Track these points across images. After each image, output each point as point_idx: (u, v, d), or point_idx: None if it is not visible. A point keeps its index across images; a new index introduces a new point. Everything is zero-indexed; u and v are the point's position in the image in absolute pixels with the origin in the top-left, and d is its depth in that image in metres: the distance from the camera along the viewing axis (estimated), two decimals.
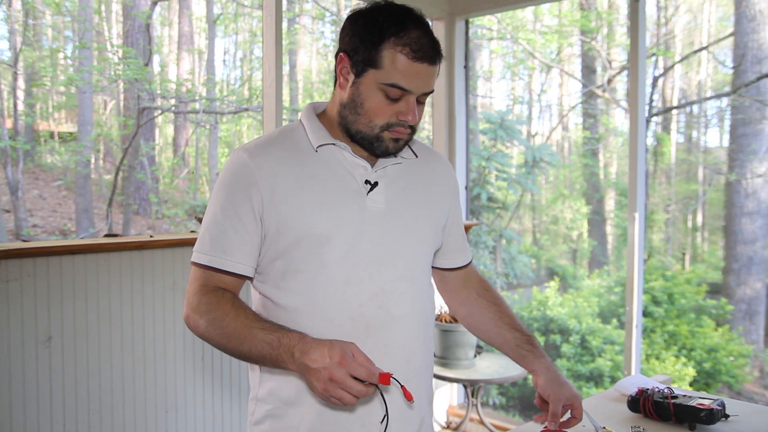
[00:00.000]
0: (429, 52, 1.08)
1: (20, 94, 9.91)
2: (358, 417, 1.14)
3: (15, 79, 9.33)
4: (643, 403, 1.38)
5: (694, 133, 12.63)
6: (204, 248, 1.13)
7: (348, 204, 1.13)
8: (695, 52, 11.16)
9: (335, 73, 1.16)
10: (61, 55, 10.75)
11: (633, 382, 1.53)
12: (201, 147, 11.91)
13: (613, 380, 6.45)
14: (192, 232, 2.92)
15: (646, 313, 6.96)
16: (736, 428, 1.32)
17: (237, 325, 1.06)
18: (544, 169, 8.13)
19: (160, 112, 10.08)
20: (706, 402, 1.34)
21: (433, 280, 1.36)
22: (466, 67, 3.64)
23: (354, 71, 1.11)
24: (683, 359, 6.44)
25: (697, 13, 11.77)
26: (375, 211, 1.15)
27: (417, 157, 1.25)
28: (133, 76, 8.48)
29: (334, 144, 1.16)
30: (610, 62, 9.77)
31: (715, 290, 8.11)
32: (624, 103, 9.48)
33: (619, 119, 11.32)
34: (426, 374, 1.25)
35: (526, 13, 11.03)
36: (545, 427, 1.24)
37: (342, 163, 1.16)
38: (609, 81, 9.51)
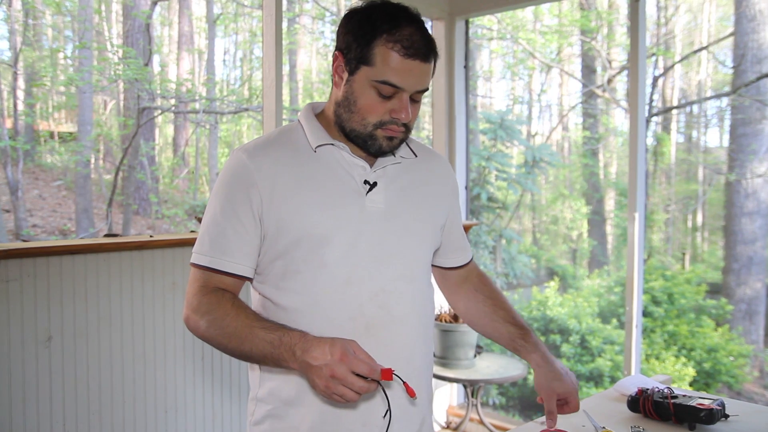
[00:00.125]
0: (422, 49, 1.07)
1: (20, 94, 9.90)
2: (359, 416, 1.14)
3: (15, 79, 9.33)
4: (643, 403, 1.38)
5: (694, 133, 12.63)
6: (203, 249, 1.13)
7: (347, 204, 1.13)
8: (695, 52, 11.16)
9: (332, 72, 1.16)
10: (61, 55, 10.74)
11: (633, 382, 1.53)
12: (201, 147, 11.91)
13: (613, 380, 6.45)
14: (192, 232, 2.92)
15: (646, 313, 6.96)
16: (736, 428, 1.32)
17: (238, 324, 1.06)
18: (544, 169, 8.12)
19: (160, 112, 10.08)
20: (706, 402, 1.34)
21: (433, 279, 1.36)
22: (466, 67, 3.64)
23: (348, 69, 1.11)
24: (683, 359, 6.44)
25: (697, 13, 11.77)
26: (374, 211, 1.15)
27: (416, 156, 1.25)
28: (133, 76, 8.47)
29: (332, 144, 1.16)
30: (610, 62, 9.77)
31: (715, 290, 8.11)
32: (624, 103, 9.48)
33: (619, 119, 11.33)
34: (426, 374, 1.25)
35: (526, 13, 11.03)
36: (545, 428, 1.24)
37: (341, 163, 1.16)
38: (609, 81, 9.51)
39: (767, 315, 7.67)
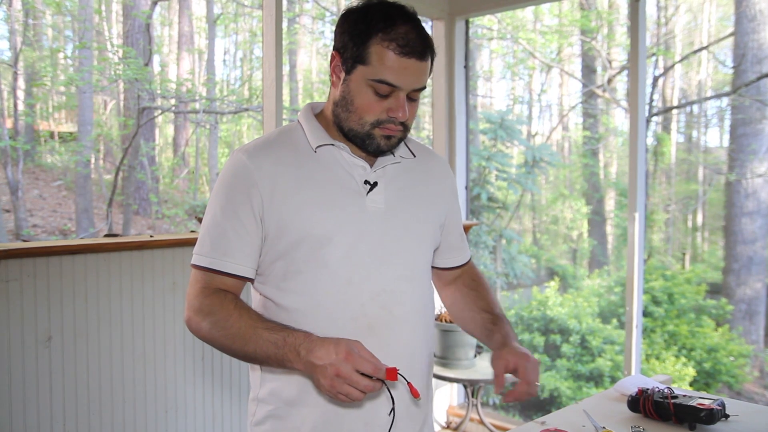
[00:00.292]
0: (417, 47, 1.07)
1: (20, 94, 9.90)
2: (361, 417, 1.14)
3: (15, 79, 9.33)
4: (643, 403, 1.38)
5: (694, 133, 12.63)
6: (204, 250, 1.12)
7: (348, 204, 1.13)
8: (695, 52, 11.16)
9: (330, 72, 1.16)
10: (61, 55, 10.74)
11: (633, 382, 1.53)
12: (201, 147, 11.90)
13: (613, 380, 6.45)
14: (192, 232, 2.92)
15: (646, 313, 6.96)
16: (736, 428, 1.32)
17: (241, 325, 1.06)
18: (544, 169, 8.12)
19: (160, 112, 10.08)
20: (706, 402, 1.34)
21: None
22: (466, 67, 3.64)
23: (345, 68, 1.11)
24: (683, 359, 6.44)
25: (697, 13, 11.77)
26: (375, 211, 1.15)
27: (415, 156, 1.25)
28: (133, 76, 8.47)
29: (332, 144, 1.16)
30: (610, 62, 9.77)
31: (715, 290, 8.11)
32: (624, 103, 9.48)
33: (619, 119, 11.32)
34: (427, 373, 1.26)
35: (526, 13, 11.03)
36: (545, 428, 1.24)
37: (341, 163, 1.16)
38: (609, 81, 9.51)
39: (767, 315, 7.67)
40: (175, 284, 2.44)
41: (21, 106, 9.84)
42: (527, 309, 7.70)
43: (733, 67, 7.92)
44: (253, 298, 1.22)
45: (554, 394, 6.65)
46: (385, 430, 1.12)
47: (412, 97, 1.12)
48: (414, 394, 1.03)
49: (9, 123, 9.33)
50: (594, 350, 6.88)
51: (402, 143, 1.23)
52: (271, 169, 1.12)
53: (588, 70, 10.26)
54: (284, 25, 7.59)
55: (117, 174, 9.26)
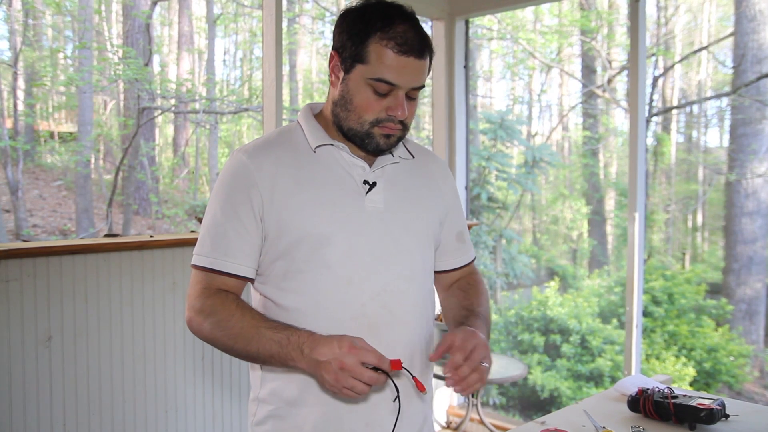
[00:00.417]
0: (415, 45, 1.08)
1: (20, 94, 9.90)
2: (362, 416, 1.14)
3: (15, 79, 9.33)
4: (643, 403, 1.38)
5: (694, 133, 12.63)
6: (204, 250, 1.13)
7: (347, 204, 1.13)
8: (695, 52, 11.16)
9: (329, 71, 1.16)
10: (61, 55, 10.74)
11: (633, 382, 1.53)
12: (201, 147, 11.91)
13: (613, 380, 6.45)
14: (192, 232, 2.92)
15: (646, 313, 6.96)
16: (736, 428, 1.32)
17: (244, 325, 1.06)
18: (544, 169, 8.13)
19: (160, 112, 10.08)
20: (706, 402, 1.34)
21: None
22: (466, 67, 3.64)
23: (343, 68, 1.11)
24: (683, 359, 6.44)
25: (697, 13, 11.77)
26: (374, 211, 1.15)
27: (413, 158, 1.25)
28: (133, 76, 8.48)
29: (332, 144, 1.16)
30: (610, 62, 9.77)
31: (715, 290, 8.11)
32: (624, 103, 9.48)
33: (619, 119, 11.33)
34: (427, 372, 1.26)
35: (526, 13, 11.03)
36: (545, 428, 1.24)
37: (340, 163, 1.16)
38: (609, 81, 9.51)
39: (767, 315, 7.67)
40: (175, 284, 2.44)
41: (21, 106, 9.84)
42: (527, 309, 7.70)
43: (733, 67, 7.92)
44: (253, 298, 1.22)
45: (554, 394, 6.65)
46: (386, 430, 1.12)
47: (411, 96, 1.12)
48: (420, 388, 1.03)
49: (9, 123, 9.33)
50: (594, 350, 6.88)
51: (401, 144, 1.23)
52: (271, 169, 1.12)
53: (588, 70, 10.26)
54: (284, 25, 7.59)
55: (117, 174, 9.26)
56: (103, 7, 10.80)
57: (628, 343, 3.00)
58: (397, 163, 1.21)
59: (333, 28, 1.16)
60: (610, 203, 11.75)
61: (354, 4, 1.13)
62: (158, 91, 9.31)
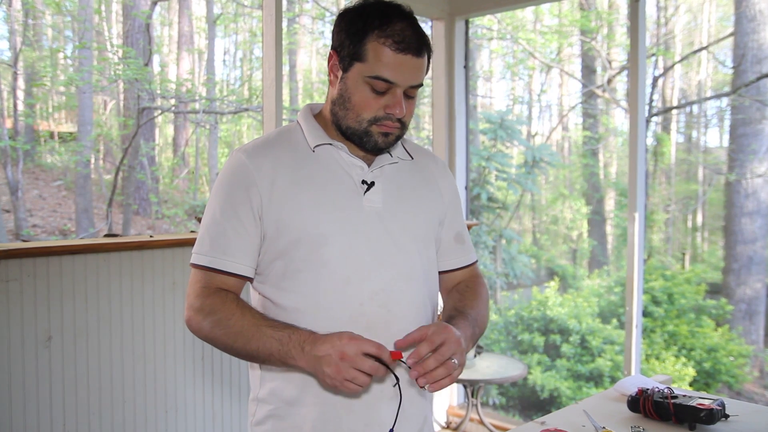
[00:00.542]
0: (413, 43, 1.08)
1: (20, 94, 9.90)
2: (361, 416, 1.14)
3: (15, 79, 9.32)
4: (643, 403, 1.38)
5: (694, 133, 12.63)
6: (204, 249, 1.13)
7: (345, 204, 1.14)
8: (695, 52, 11.16)
9: (328, 71, 1.16)
10: (61, 55, 10.74)
11: (633, 382, 1.53)
12: (201, 147, 11.91)
13: (613, 380, 6.45)
14: (192, 232, 2.92)
15: (646, 313, 6.96)
16: (736, 428, 1.32)
17: (244, 323, 1.06)
18: (544, 169, 8.13)
19: (160, 112, 10.08)
20: (706, 402, 1.34)
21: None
22: (466, 67, 3.64)
23: (342, 67, 1.12)
24: (683, 359, 6.44)
25: (697, 13, 11.77)
26: (372, 211, 1.15)
27: (412, 158, 1.25)
28: (133, 76, 8.47)
29: (330, 144, 1.16)
30: (610, 62, 9.77)
31: (715, 290, 8.11)
32: (624, 103, 9.48)
33: (619, 119, 11.33)
34: None
35: (526, 13, 11.03)
36: (545, 428, 1.24)
37: (339, 162, 1.16)
38: (609, 81, 9.51)
39: (767, 315, 7.67)
40: (175, 284, 2.44)
41: (21, 106, 9.84)
42: (527, 309, 7.70)
43: (733, 68, 7.92)
44: (252, 297, 1.22)
45: (554, 394, 6.65)
46: (386, 430, 1.12)
47: (410, 95, 1.12)
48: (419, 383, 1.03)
49: (9, 123, 9.33)
50: (594, 350, 6.88)
51: (400, 145, 1.23)
52: (270, 168, 1.12)
53: (588, 71, 10.26)
54: (284, 25, 7.58)
55: (117, 174, 9.26)
56: (103, 7, 10.80)
57: (628, 343, 3.00)
58: (395, 163, 1.22)
59: (332, 27, 1.16)
60: (610, 203, 11.75)
61: (353, 3, 1.13)
62: (158, 91, 9.31)
